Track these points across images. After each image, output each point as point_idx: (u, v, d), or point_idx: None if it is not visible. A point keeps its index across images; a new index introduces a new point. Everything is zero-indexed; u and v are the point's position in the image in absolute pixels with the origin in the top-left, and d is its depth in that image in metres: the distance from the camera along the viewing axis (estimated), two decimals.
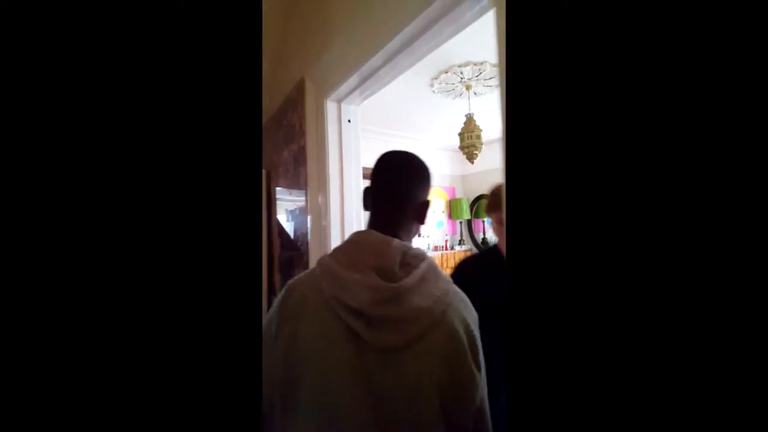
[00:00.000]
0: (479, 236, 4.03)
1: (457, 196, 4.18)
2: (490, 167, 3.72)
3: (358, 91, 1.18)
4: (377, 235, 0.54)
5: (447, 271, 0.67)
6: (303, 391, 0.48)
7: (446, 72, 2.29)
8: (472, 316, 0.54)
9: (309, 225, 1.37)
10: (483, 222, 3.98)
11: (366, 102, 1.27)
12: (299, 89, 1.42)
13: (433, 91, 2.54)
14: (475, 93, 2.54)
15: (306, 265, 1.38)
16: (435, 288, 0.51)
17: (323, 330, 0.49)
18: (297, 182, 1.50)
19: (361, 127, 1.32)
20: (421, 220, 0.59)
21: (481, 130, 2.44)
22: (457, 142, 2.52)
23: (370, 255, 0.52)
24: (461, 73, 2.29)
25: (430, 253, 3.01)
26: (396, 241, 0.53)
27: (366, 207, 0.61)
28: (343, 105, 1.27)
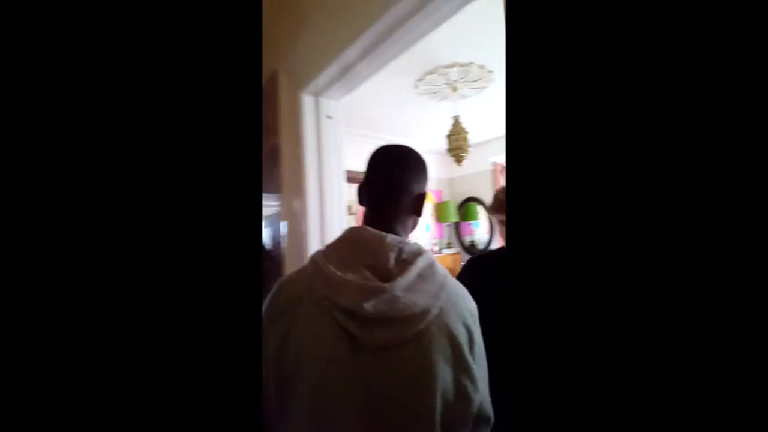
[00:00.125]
0: (467, 239, 3.98)
1: (444, 199, 4.13)
2: (478, 170, 3.71)
3: (337, 85, 1.08)
4: (371, 231, 0.52)
5: None
6: (297, 390, 0.47)
7: (432, 73, 2.22)
8: (468, 308, 0.53)
9: (282, 232, 1.26)
10: (470, 225, 3.94)
11: (349, 103, 1.18)
12: (271, 83, 1.31)
13: (418, 93, 2.47)
14: (461, 95, 2.49)
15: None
16: (431, 284, 0.50)
17: (316, 328, 0.48)
18: (270, 185, 1.40)
19: (344, 129, 1.22)
20: (419, 212, 0.58)
21: (467, 133, 2.40)
22: (443, 144, 2.47)
23: (364, 252, 0.51)
24: (447, 74, 2.22)
25: None
26: (390, 236, 0.52)
27: (361, 202, 0.60)
28: (321, 99, 1.16)
